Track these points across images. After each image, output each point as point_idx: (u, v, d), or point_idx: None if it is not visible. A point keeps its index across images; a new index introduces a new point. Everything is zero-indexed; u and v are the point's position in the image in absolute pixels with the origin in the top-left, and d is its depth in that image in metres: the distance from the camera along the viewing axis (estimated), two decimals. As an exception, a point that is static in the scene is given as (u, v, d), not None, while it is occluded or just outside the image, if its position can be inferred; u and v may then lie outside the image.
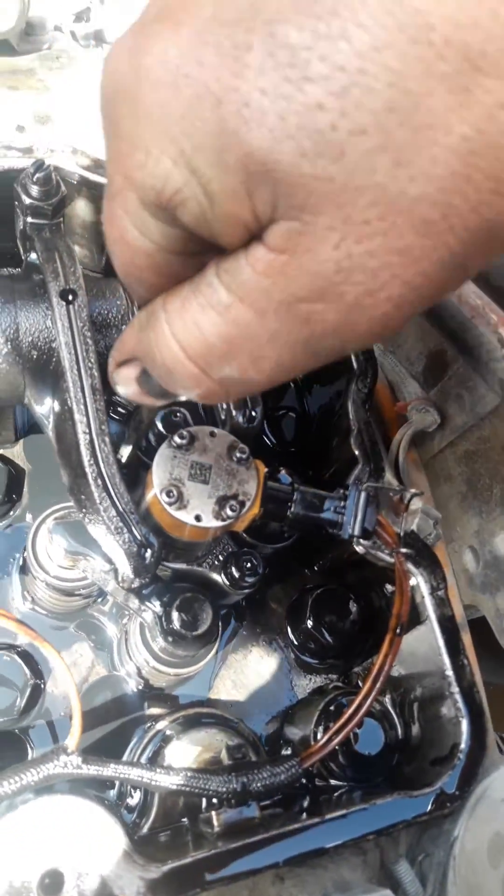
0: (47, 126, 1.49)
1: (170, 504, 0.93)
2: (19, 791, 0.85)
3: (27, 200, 1.08)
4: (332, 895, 0.96)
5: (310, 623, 1.27)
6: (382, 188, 0.42)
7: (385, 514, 1.12)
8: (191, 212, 0.48)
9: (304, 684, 1.29)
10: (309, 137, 0.42)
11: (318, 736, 1.11)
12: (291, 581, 1.33)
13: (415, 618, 1.11)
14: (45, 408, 1.03)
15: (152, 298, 0.56)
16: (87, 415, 0.93)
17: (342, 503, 0.99)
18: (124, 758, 1.11)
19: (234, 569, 1.07)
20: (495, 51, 0.39)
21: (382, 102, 0.41)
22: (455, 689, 1.03)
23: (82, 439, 0.93)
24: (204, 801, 0.96)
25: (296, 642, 1.29)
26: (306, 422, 1.40)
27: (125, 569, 0.94)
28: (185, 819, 1.02)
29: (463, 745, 1.01)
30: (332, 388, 1.35)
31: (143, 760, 1.06)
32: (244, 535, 1.13)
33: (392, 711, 1.17)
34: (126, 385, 0.62)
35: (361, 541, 1.10)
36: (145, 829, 1.02)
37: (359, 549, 1.14)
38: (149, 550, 0.93)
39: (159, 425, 1.14)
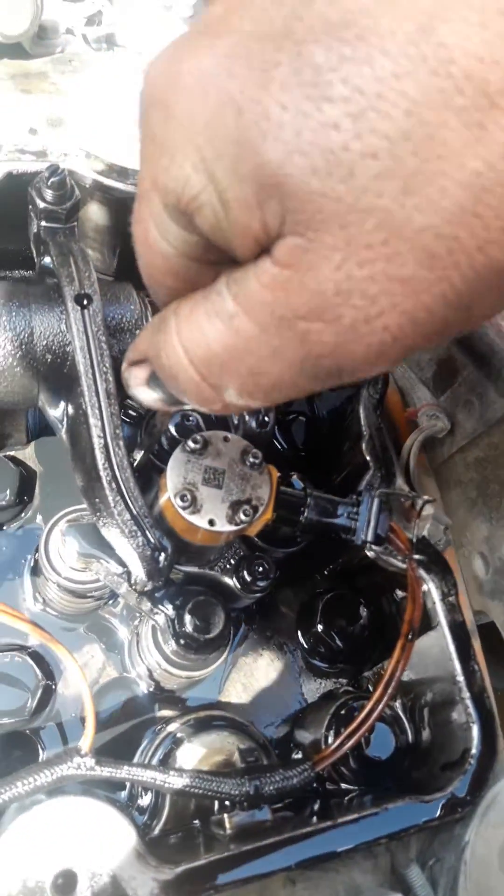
0: (59, 129, 1.50)
1: (184, 508, 0.94)
2: (33, 792, 0.86)
3: (41, 204, 1.09)
4: (344, 899, 0.97)
5: (320, 627, 1.27)
6: (388, 213, 0.43)
7: (396, 520, 1.12)
8: (206, 218, 0.49)
9: (314, 688, 1.30)
10: (321, 155, 0.42)
11: (329, 740, 1.11)
12: (302, 585, 1.34)
13: (426, 623, 1.11)
14: (58, 411, 1.04)
15: (169, 303, 0.57)
16: (101, 419, 0.94)
17: (355, 509, 1.00)
18: (135, 759, 1.12)
19: (245, 573, 1.07)
20: None
21: (397, 129, 0.41)
22: (466, 694, 1.04)
23: (97, 443, 0.93)
24: (216, 803, 0.97)
25: (306, 646, 1.30)
26: (316, 426, 1.40)
27: (138, 572, 0.95)
28: (196, 821, 1.02)
29: (474, 751, 1.01)
30: (342, 393, 1.35)
31: (154, 762, 1.07)
32: (256, 539, 1.14)
33: (402, 716, 1.17)
34: (136, 386, 0.63)
35: (373, 546, 1.11)
36: (157, 831, 1.02)
37: (370, 554, 1.14)
38: (162, 554, 0.93)
39: (172, 430, 1.15)
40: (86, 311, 0.97)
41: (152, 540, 0.93)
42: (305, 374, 0.51)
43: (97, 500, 0.94)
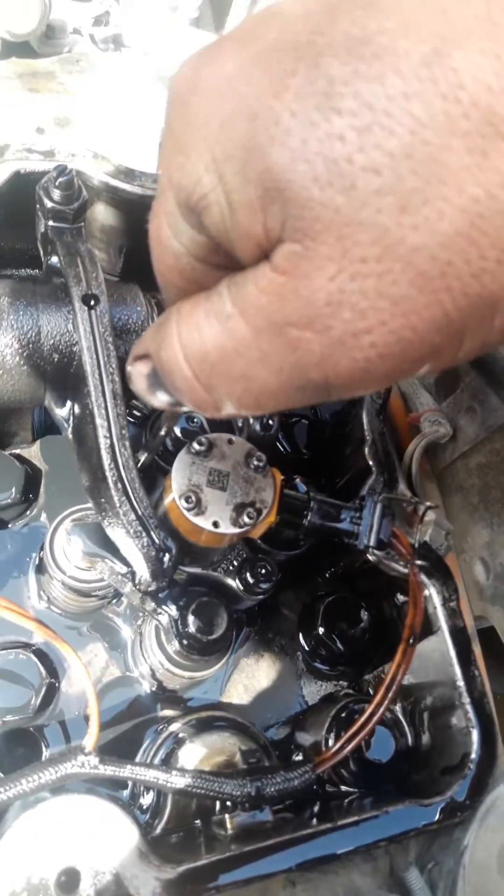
0: (67, 129, 1.50)
1: (188, 510, 0.94)
2: (36, 789, 0.86)
3: (49, 204, 1.09)
4: (343, 901, 0.97)
5: (321, 630, 1.28)
6: (385, 230, 0.43)
7: (398, 525, 1.13)
8: (213, 218, 0.50)
9: (315, 690, 1.30)
10: (324, 164, 0.43)
11: (330, 742, 1.12)
12: (304, 588, 1.34)
13: (426, 628, 1.12)
14: (64, 410, 1.04)
15: (177, 301, 0.58)
16: (108, 419, 0.94)
17: (358, 514, 1.00)
18: (137, 759, 1.12)
19: (248, 574, 1.08)
20: None
21: (401, 147, 0.42)
22: (466, 699, 1.04)
23: (103, 443, 0.94)
24: (217, 803, 0.97)
25: (307, 648, 1.30)
26: (319, 429, 1.41)
27: (143, 572, 0.95)
28: (197, 821, 1.03)
29: (473, 755, 1.02)
30: (346, 396, 1.35)
31: (156, 762, 1.07)
32: (259, 541, 1.14)
33: (402, 720, 1.17)
34: (137, 380, 0.63)
35: (376, 551, 1.11)
36: (158, 830, 1.03)
37: (372, 558, 1.15)
38: (167, 555, 0.94)
39: (177, 432, 1.15)
40: (93, 311, 0.97)
41: (157, 540, 0.93)
42: (293, 385, 0.51)
43: (102, 499, 0.95)
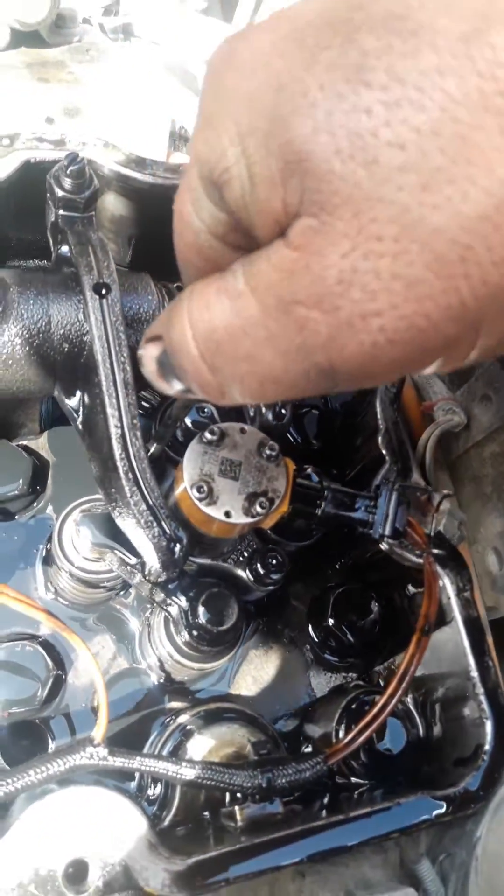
0: (76, 119, 1.50)
1: (200, 499, 0.94)
2: (45, 781, 0.86)
3: (60, 193, 1.08)
4: (355, 893, 0.96)
5: (331, 621, 1.27)
6: (405, 209, 0.42)
7: (412, 515, 1.11)
8: (234, 192, 0.49)
9: (324, 682, 1.29)
10: (347, 137, 0.42)
11: (340, 734, 1.11)
12: (313, 579, 1.33)
13: (440, 618, 1.11)
14: (74, 401, 1.03)
15: (193, 282, 0.57)
16: (119, 409, 0.93)
17: (373, 503, 0.99)
18: (145, 750, 1.12)
19: (259, 565, 1.07)
20: None
21: (429, 123, 0.40)
22: (480, 690, 1.03)
23: (114, 433, 0.93)
24: (227, 795, 0.97)
25: (317, 640, 1.29)
26: (330, 419, 1.39)
27: (153, 562, 0.95)
28: (206, 813, 1.02)
29: (487, 746, 1.01)
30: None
31: (164, 753, 1.07)
32: (269, 532, 1.13)
33: (414, 711, 1.16)
34: (148, 363, 0.62)
35: (389, 540, 1.10)
36: (167, 822, 1.02)
37: (385, 547, 1.14)
38: (178, 545, 0.93)
39: (188, 421, 1.14)
40: (104, 300, 0.96)
41: (168, 531, 0.92)
42: (298, 369, 0.49)
43: (113, 489, 0.94)
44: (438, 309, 0.43)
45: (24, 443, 1.25)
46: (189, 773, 0.90)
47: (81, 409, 1.01)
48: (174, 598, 1.00)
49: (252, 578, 1.07)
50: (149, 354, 0.61)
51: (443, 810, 0.98)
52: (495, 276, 0.42)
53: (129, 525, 0.93)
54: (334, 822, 0.94)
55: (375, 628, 1.27)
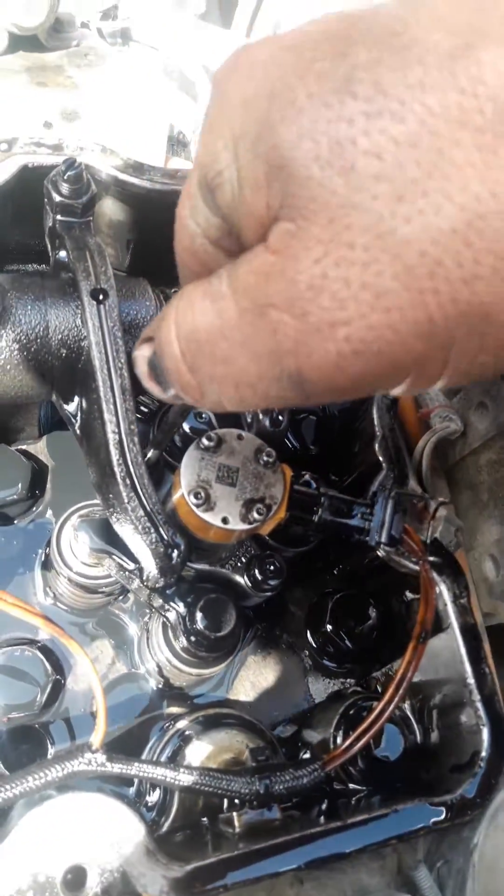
0: (75, 123, 1.50)
1: (197, 506, 0.94)
2: (43, 787, 0.86)
3: (57, 198, 1.08)
4: (352, 900, 0.96)
5: (329, 627, 1.27)
6: (378, 218, 0.42)
7: (409, 522, 1.12)
8: (224, 195, 0.50)
9: (322, 688, 1.29)
10: (328, 144, 0.43)
11: (338, 740, 1.11)
12: (311, 585, 1.33)
13: (436, 625, 1.11)
14: (72, 406, 1.03)
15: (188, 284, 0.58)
16: (116, 415, 0.93)
17: (369, 510, 0.99)
18: (143, 756, 1.12)
19: (256, 571, 1.07)
20: None
21: (407, 135, 0.41)
22: (476, 696, 1.03)
23: (111, 439, 0.93)
24: (225, 801, 0.97)
25: (315, 646, 1.30)
26: (327, 425, 1.40)
27: (151, 568, 0.95)
28: (204, 819, 1.02)
29: (483, 753, 1.01)
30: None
31: (162, 759, 1.07)
32: (267, 538, 1.13)
33: (411, 717, 1.17)
34: (140, 364, 0.62)
35: (386, 548, 1.10)
36: (165, 828, 1.02)
37: (382, 554, 1.14)
38: (175, 551, 0.93)
39: (186, 427, 1.15)
40: (101, 306, 0.96)
41: (166, 536, 0.92)
42: (270, 374, 0.49)
43: (111, 495, 0.94)
44: (405, 323, 0.43)
45: (23, 447, 1.25)
46: (187, 780, 0.90)
47: (79, 414, 1.01)
48: (172, 603, 1.00)
49: (250, 584, 1.08)
50: (141, 355, 0.62)
51: (440, 817, 0.98)
52: (465, 294, 0.42)
53: (126, 531, 0.93)
54: (332, 829, 0.94)
55: (373, 634, 1.28)
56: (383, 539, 0.98)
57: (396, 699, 0.98)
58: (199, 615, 0.99)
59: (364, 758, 1.10)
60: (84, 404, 1.01)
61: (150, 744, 1.13)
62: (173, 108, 1.64)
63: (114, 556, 0.99)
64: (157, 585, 0.98)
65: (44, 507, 1.23)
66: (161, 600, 1.00)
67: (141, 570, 0.98)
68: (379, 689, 1.25)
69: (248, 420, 1.12)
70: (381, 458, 1.16)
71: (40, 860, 0.82)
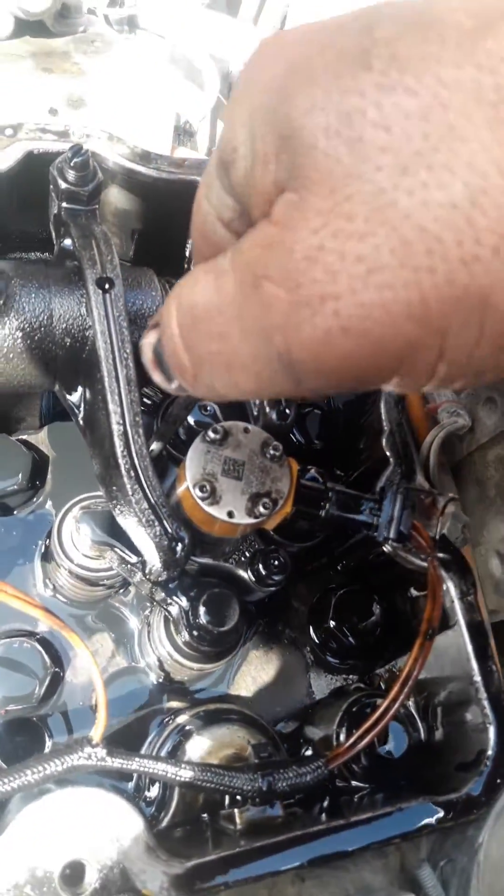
0: (81, 110, 1.48)
1: (203, 499, 0.92)
2: (42, 780, 0.85)
3: (63, 185, 1.06)
4: (354, 898, 0.95)
5: (332, 623, 1.26)
6: (380, 190, 0.41)
7: (417, 517, 1.10)
8: (238, 172, 0.49)
9: (325, 684, 1.28)
10: (337, 115, 0.42)
11: (341, 737, 1.10)
12: (315, 580, 1.32)
13: (443, 622, 1.10)
14: (76, 396, 1.02)
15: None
16: (121, 405, 0.92)
17: (378, 505, 0.98)
18: (143, 751, 1.10)
19: (260, 566, 1.06)
20: None
21: (419, 108, 0.40)
22: (483, 694, 1.02)
23: (116, 430, 0.91)
24: (226, 797, 0.95)
25: (317, 641, 1.28)
26: (332, 420, 1.38)
27: (154, 561, 0.93)
28: (204, 815, 1.01)
29: (490, 752, 0.99)
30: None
31: (162, 754, 1.06)
32: (272, 532, 1.12)
33: (416, 715, 1.15)
34: (146, 351, 0.61)
35: (394, 543, 1.09)
36: (164, 824, 1.01)
37: (388, 550, 1.12)
38: (179, 544, 0.92)
39: (191, 420, 1.13)
40: (107, 295, 0.95)
41: (170, 529, 0.91)
42: (262, 354, 0.47)
43: (114, 487, 0.92)
44: (398, 303, 0.41)
45: (24, 437, 1.24)
46: (188, 775, 0.89)
47: (83, 405, 1.00)
48: (175, 597, 0.99)
49: (254, 579, 1.06)
50: (148, 343, 0.60)
51: (445, 816, 0.97)
52: (463, 276, 0.40)
53: (130, 523, 0.92)
54: (335, 828, 0.93)
55: (377, 631, 1.26)
56: (392, 535, 0.97)
57: (402, 696, 0.97)
58: (202, 609, 0.98)
59: (368, 755, 1.09)
60: (88, 395, 0.99)
61: (149, 738, 1.12)
62: (180, 97, 1.62)
63: (116, 549, 0.98)
64: (160, 579, 0.96)
65: (44, 498, 1.22)
66: (163, 594, 0.99)
67: (143, 563, 0.97)
68: (382, 686, 1.24)
69: (255, 413, 1.10)
70: (388, 453, 1.14)
71: (38, 855, 0.81)
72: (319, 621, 1.28)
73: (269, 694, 1.23)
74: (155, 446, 1.02)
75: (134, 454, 0.91)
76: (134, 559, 0.97)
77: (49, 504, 1.23)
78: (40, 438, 1.26)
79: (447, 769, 1.07)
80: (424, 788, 1.01)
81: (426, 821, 0.95)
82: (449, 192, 0.39)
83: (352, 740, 0.96)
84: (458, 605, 1.06)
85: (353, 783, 1.10)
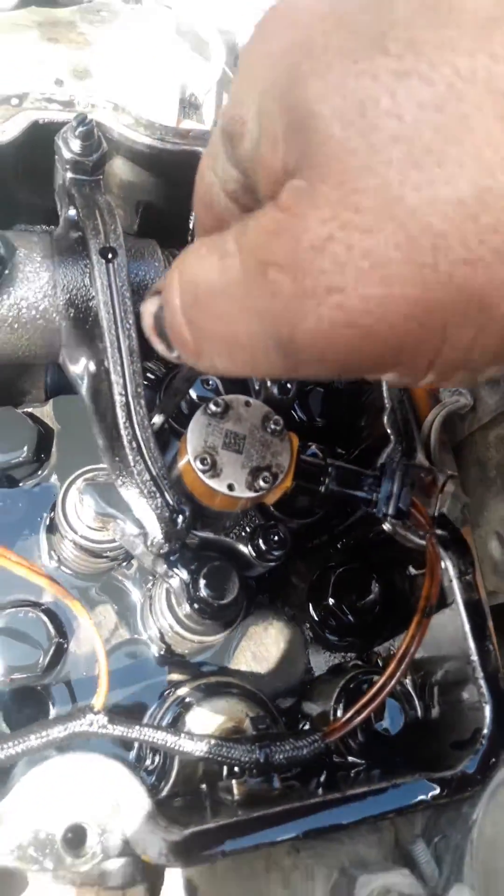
0: (86, 81, 1.46)
1: (203, 472, 0.92)
2: (45, 746, 0.86)
3: (68, 155, 1.06)
4: (350, 870, 0.97)
5: (331, 601, 1.26)
6: (388, 183, 0.40)
7: (416, 495, 1.10)
8: (244, 146, 0.49)
9: (323, 661, 1.29)
10: (353, 104, 0.41)
11: (338, 713, 1.11)
12: (315, 558, 1.33)
13: (441, 601, 1.10)
14: (79, 367, 1.02)
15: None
16: (123, 376, 0.92)
17: (377, 481, 0.98)
18: (144, 721, 1.11)
19: (261, 541, 1.06)
20: None
21: (432, 97, 0.39)
22: (479, 674, 1.02)
23: (118, 401, 0.92)
24: (224, 769, 0.96)
25: (316, 619, 1.29)
26: (334, 397, 1.38)
27: (156, 533, 0.94)
28: (203, 785, 1.02)
29: (485, 730, 1.00)
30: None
31: (163, 725, 1.07)
32: (272, 508, 1.12)
33: (413, 693, 1.16)
34: (146, 317, 0.61)
35: (392, 520, 1.09)
36: (164, 793, 1.02)
37: (386, 527, 1.12)
38: (180, 516, 0.92)
39: (193, 394, 1.13)
40: (110, 264, 0.94)
41: (171, 502, 0.91)
42: (264, 337, 0.48)
43: (117, 458, 0.93)
44: (400, 298, 0.41)
45: (30, 410, 1.24)
46: (188, 745, 0.90)
47: (86, 376, 1.00)
48: (176, 570, 0.99)
49: (254, 554, 1.07)
50: (148, 310, 0.60)
51: (440, 793, 0.98)
52: (463, 276, 0.40)
53: (132, 495, 0.92)
54: (331, 801, 0.94)
55: (375, 609, 1.27)
56: (391, 511, 0.97)
57: (399, 673, 0.97)
58: (202, 582, 0.98)
59: (364, 731, 1.10)
60: (91, 366, 0.99)
61: (150, 710, 1.13)
62: (186, 69, 1.59)
63: (118, 521, 0.98)
64: (161, 551, 0.97)
65: (49, 470, 1.22)
66: (165, 566, 0.99)
67: (145, 535, 0.97)
68: (380, 663, 1.24)
69: (256, 387, 1.10)
70: (389, 431, 1.14)
71: (41, 818, 0.83)
72: (319, 599, 1.29)
73: (269, 669, 1.24)
74: (157, 419, 1.02)
75: (136, 425, 0.91)
76: (136, 531, 0.98)
77: (54, 477, 1.24)
78: (45, 412, 1.26)
79: (443, 747, 1.08)
80: (420, 765, 1.02)
81: (421, 797, 0.97)
82: (456, 189, 0.39)
83: (348, 715, 0.97)
84: (456, 584, 1.07)
85: (350, 759, 1.11)
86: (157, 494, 0.90)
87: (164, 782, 1.04)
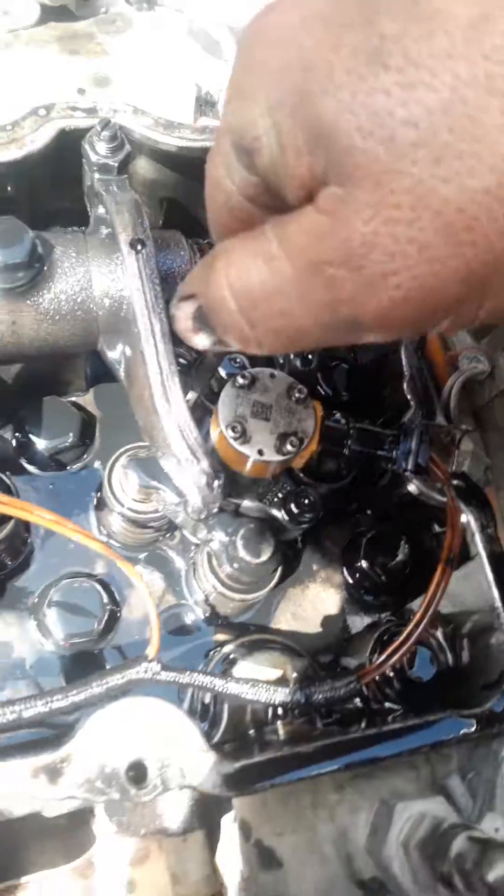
0: (106, 88, 1.55)
1: (234, 439, 1.01)
2: (106, 693, 0.95)
3: (94, 157, 1.15)
4: (389, 801, 1.04)
5: (364, 563, 1.33)
6: (419, 181, 0.47)
7: (437, 454, 1.16)
8: (264, 159, 0.54)
9: (359, 621, 1.36)
10: (368, 117, 0.47)
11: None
12: (346, 524, 1.39)
13: (464, 554, 1.16)
14: (116, 353, 1.11)
15: (223, 240, 0.62)
16: (157, 356, 1.00)
17: (397, 440, 1.04)
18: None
19: (293, 505, 1.13)
20: None
21: (439, 103, 0.45)
22: (504, 619, 1.08)
23: (154, 379, 1.00)
24: (269, 712, 1.05)
25: (350, 580, 1.36)
26: (359, 372, 1.44)
27: (195, 499, 1.02)
28: (251, 731, 1.11)
29: (512, 670, 1.06)
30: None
31: (210, 678, 1.15)
32: (302, 474, 1.20)
33: (444, 643, 1.22)
34: (182, 321, 0.67)
35: (415, 480, 1.15)
36: (216, 739, 1.11)
37: (411, 488, 1.19)
38: (216, 481, 1.00)
39: (222, 373, 1.21)
40: (140, 255, 1.03)
41: (207, 469, 0.99)
42: (325, 322, 0.55)
43: (155, 432, 1.01)
44: (446, 271, 0.49)
45: (74, 399, 1.34)
46: (234, 688, 0.98)
47: (123, 360, 1.09)
48: (215, 532, 1.07)
49: (287, 518, 1.14)
50: (183, 312, 0.67)
51: (469, 729, 1.04)
52: (500, 245, 0.47)
53: (171, 464, 1.01)
54: (369, 737, 1.01)
55: (406, 569, 1.33)
56: (410, 466, 1.03)
57: (427, 618, 1.04)
58: (239, 543, 1.06)
59: (399, 678, 1.17)
60: (127, 350, 1.08)
61: (199, 668, 1.22)
62: (200, 69, 1.67)
63: (161, 491, 1.07)
64: (200, 517, 1.05)
65: (94, 455, 1.32)
66: (205, 530, 1.08)
67: (185, 502, 1.05)
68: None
69: (280, 361, 1.17)
70: (409, 397, 1.20)
71: (106, 755, 0.92)
72: (352, 561, 1.35)
73: (307, 628, 1.32)
74: (190, 395, 1.11)
75: (171, 400, 0.99)
76: (177, 500, 1.06)
77: (97, 463, 1.33)
78: (87, 400, 1.35)
79: (473, 690, 1.14)
80: (452, 706, 1.08)
81: (451, 733, 1.03)
82: (479, 178, 0.46)
83: (381, 659, 1.04)
84: (478, 538, 1.13)
85: (387, 705, 1.18)
86: (194, 462, 0.99)
87: (215, 729, 1.12)
